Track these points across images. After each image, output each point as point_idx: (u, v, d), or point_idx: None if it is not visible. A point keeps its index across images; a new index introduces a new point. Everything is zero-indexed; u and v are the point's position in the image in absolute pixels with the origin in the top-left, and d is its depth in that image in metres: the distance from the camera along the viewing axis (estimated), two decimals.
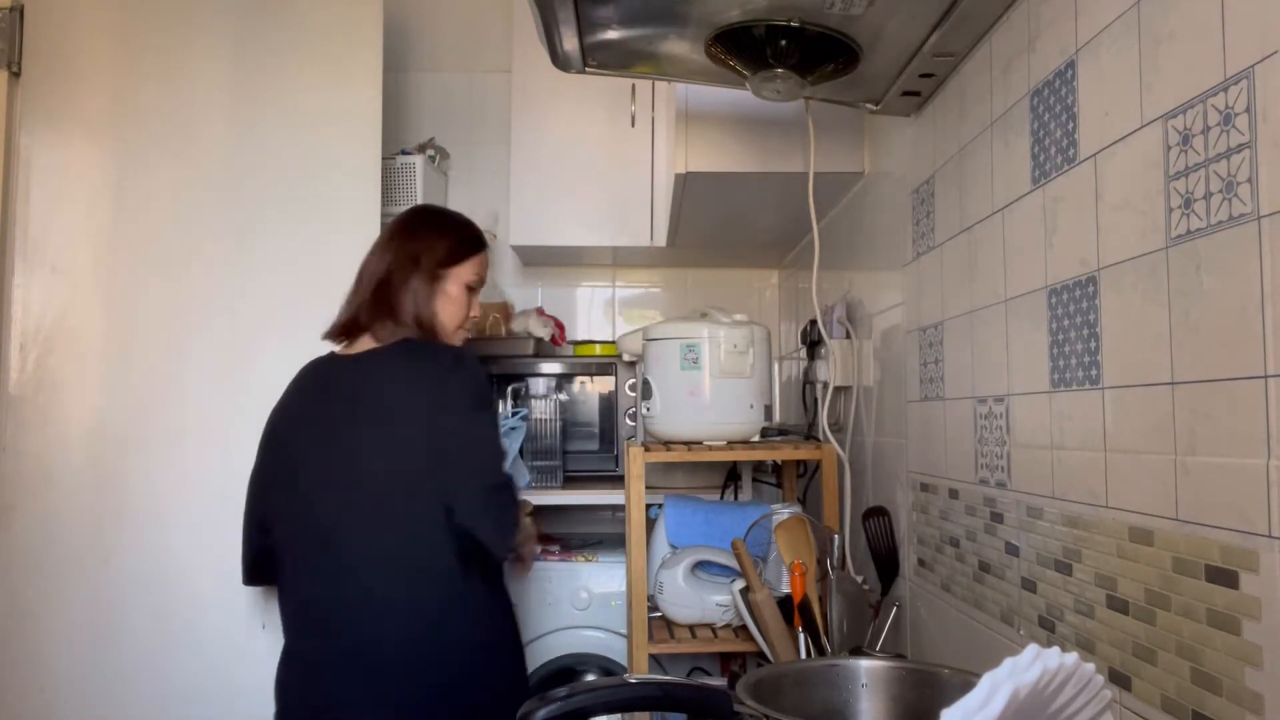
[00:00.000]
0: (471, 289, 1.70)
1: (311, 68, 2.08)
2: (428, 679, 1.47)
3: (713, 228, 2.31)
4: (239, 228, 2.05)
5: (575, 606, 2.23)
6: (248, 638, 1.93)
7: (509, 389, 2.53)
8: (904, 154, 1.53)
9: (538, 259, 2.80)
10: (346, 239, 2.06)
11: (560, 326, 2.74)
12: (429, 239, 1.68)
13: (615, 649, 2.21)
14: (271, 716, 1.57)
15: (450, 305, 1.67)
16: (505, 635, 1.62)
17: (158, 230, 2.03)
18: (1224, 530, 0.72)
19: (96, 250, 2.03)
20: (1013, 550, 1.10)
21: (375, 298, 1.64)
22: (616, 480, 2.41)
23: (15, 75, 2.00)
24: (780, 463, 2.17)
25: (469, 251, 1.70)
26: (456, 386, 1.55)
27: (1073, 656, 0.65)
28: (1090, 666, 0.67)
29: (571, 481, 2.53)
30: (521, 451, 2.36)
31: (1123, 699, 0.86)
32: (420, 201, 2.54)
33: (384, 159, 2.22)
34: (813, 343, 1.91)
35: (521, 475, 2.37)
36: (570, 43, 1.24)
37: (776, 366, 2.70)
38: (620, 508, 2.37)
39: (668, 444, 1.72)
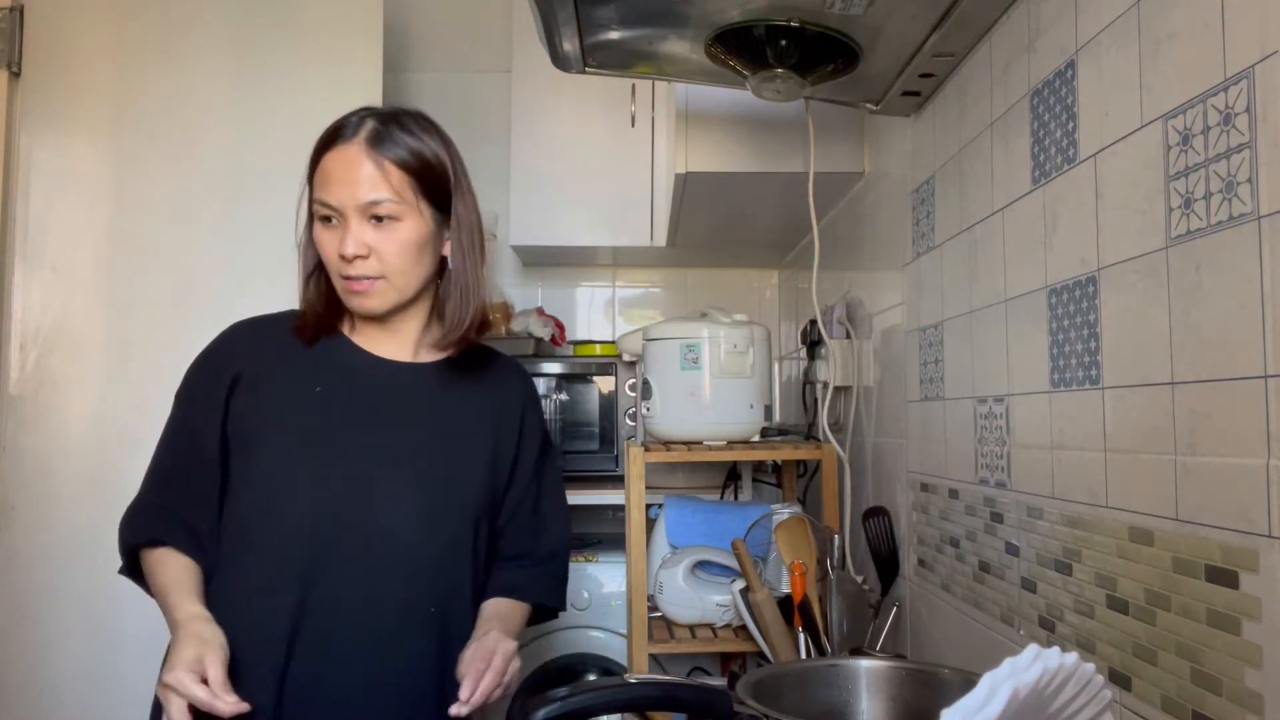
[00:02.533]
0: (324, 219, 1.20)
1: (312, 67, 2.08)
2: None
3: (713, 228, 2.31)
4: (239, 227, 2.05)
5: (575, 606, 2.23)
6: None
7: None
8: (904, 154, 1.53)
9: (538, 259, 2.80)
10: None
11: (560, 326, 2.74)
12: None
13: (615, 649, 2.21)
14: None
15: (303, 262, 1.28)
16: None
17: (158, 230, 2.04)
18: (1224, 530, 0.72)
19: (96, 250, 2.03)
20: (1013, 550, 1.10)
21: None
22: (616, 480, 2.41)
23: (15, 75, 2.00)
24: (780, 463, 2.17)
25: (311, 167, 1.22)
26: None
27: (1073, 656, 0.65)
28: (1090, 666, 0.67)
29: (571, 481, 2.51)
30: None
31: (1123, 699, 0.86)
32: None
33: None
34: (813, 343, 1.90)
35: None
36: (570, 43, 1.24)
37: (776, 366, 2.70)
38: (620, 508, 2.36)
39: (668, 444, 1.72)
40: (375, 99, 2.08)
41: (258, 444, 1.21)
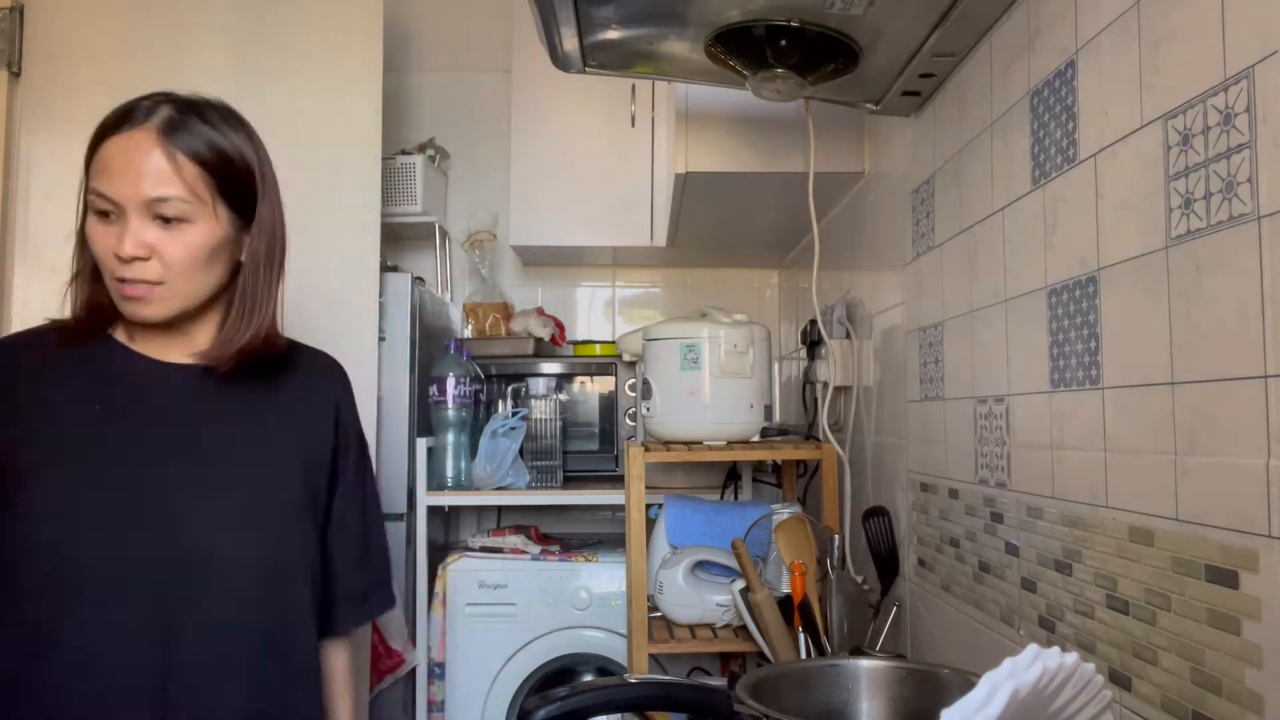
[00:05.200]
0: (101, 213, 1.04)
1: (311, 68, 2.08)
2: None
3: (713, 228, 2.31)
4: None
5: (575, 606, 2.23)
6: None
7: (509, 389, 2.53)
8: (904, 154, 1.53)
9: (538, 259, 2.81)
10: (346, 239, 2.06)
11: (560, 326, 2.74)
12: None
13: (615, 649, 2.21)
14: None
15: (76, 261, 1.12)
16: None
17: None
18: (1224, 530, 0.72)
19: None
20: (1013, 550, 1.10)
21: None
22: (616, 480, 2.41)
23: (15, 75, 2.00)
24: (780, 463, 2.17)
25: (90, 151, 1.07)
26: None
27: (1073, 656, 0.65)
28: (1090, 666, 0.67)
29: (571, 481, 2.52)
30: (521, 451, 2.36)
31: (1123, 699, 0.86)
32: (420, 202, 2.53)
33: (384, 159, 2.22)
34: (813, 343, 1.91)
35: (521, 475, 2.38)
36: (570, 43, 1.24)
37: (776, 366, 2.70)
38: (620, 508, 2.36)
39: (668, 444, 1.72)
40: (375, 99, 2.08)
41: (31, 486, 1.02)
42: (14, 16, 2.00)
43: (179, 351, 1.13)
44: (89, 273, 1.10)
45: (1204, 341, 0.74)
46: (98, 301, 1.10)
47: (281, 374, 1.20)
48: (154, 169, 1.03)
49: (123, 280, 1.04)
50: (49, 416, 1.06)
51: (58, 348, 1.09)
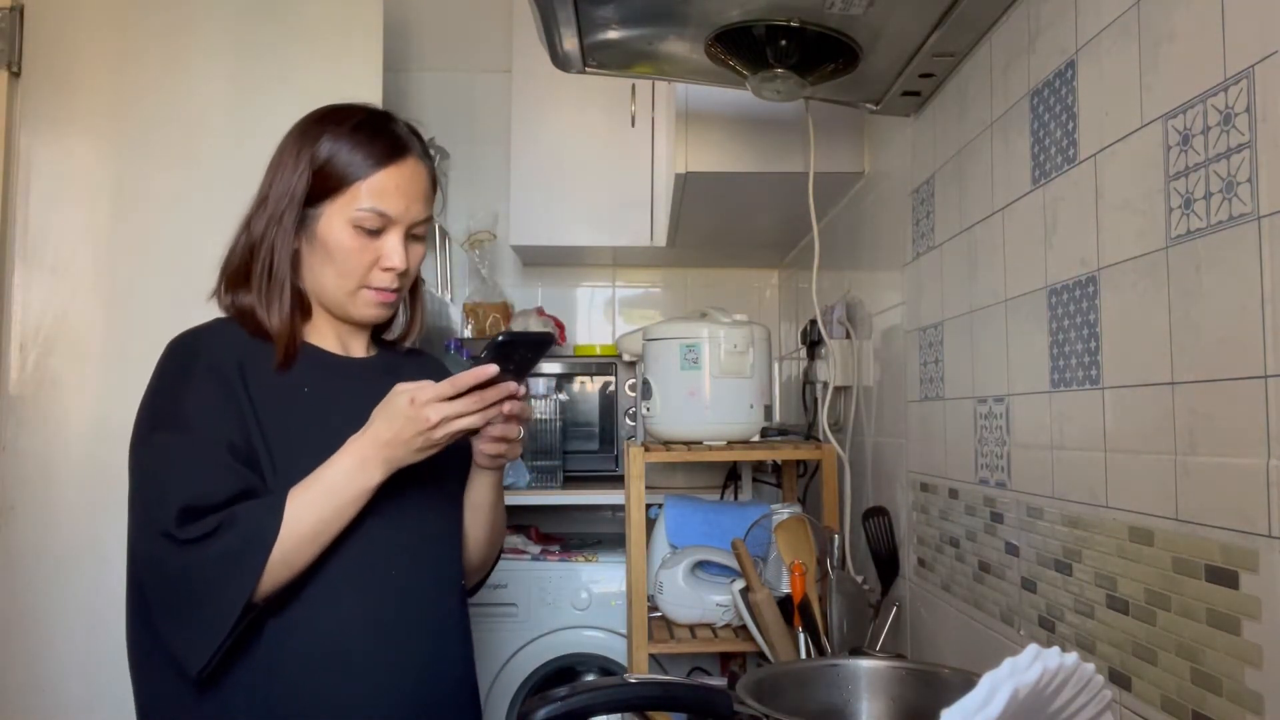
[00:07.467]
0: (369, 231, 1.14)
1: (312, 67, 2.08)
2: None
3: (713, 228, 2.31)
4: (239, 227, 2.05)
5: (575, 606, 2.23)
6: None
7: None
8: (904, 154, 1.53)
9: (538, 259, 2.81)
10: None
11: (560, 326, 2.74)
12: (287, 162, 1.18)
13: (615, 649, 2.21)
14: None
15: (324, 263, 1.16)
16: None
17: (158, 230, 2.03)
18: (1224, 530, 0.72)
19: (96, 250, 2.03)
20: (1013, 550, 1.10)
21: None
22: (616, 480, 2.41)
23: (15, 75, 2.00)
24: (780, 463, 2.17)
25: (357, 169, 1.14)
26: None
27: (1073, 656, 0.65)
28: (1090, 666, 0.67)
29: (571, 481, 2.52)
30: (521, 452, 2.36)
31: (1123, 699, 0.86)
32: None
33: None
34: (813, 343, 1.91)
35: (521, 475, 2.37)
36: (570, 43, 1.24)
37: (776, 366, 2.70)
38: (620, 508, 2.37)
39: (668, 444, 1.72)
40: (375, 99, 2.07)
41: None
42: (14, 16, 2.00)
43: (357, 345, 1.26)
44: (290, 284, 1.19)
45: (1204, 341, 0.75)
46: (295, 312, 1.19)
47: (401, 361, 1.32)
48: (424, 193, 1.19)
49: (379, 288, 1.18)
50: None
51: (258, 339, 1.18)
